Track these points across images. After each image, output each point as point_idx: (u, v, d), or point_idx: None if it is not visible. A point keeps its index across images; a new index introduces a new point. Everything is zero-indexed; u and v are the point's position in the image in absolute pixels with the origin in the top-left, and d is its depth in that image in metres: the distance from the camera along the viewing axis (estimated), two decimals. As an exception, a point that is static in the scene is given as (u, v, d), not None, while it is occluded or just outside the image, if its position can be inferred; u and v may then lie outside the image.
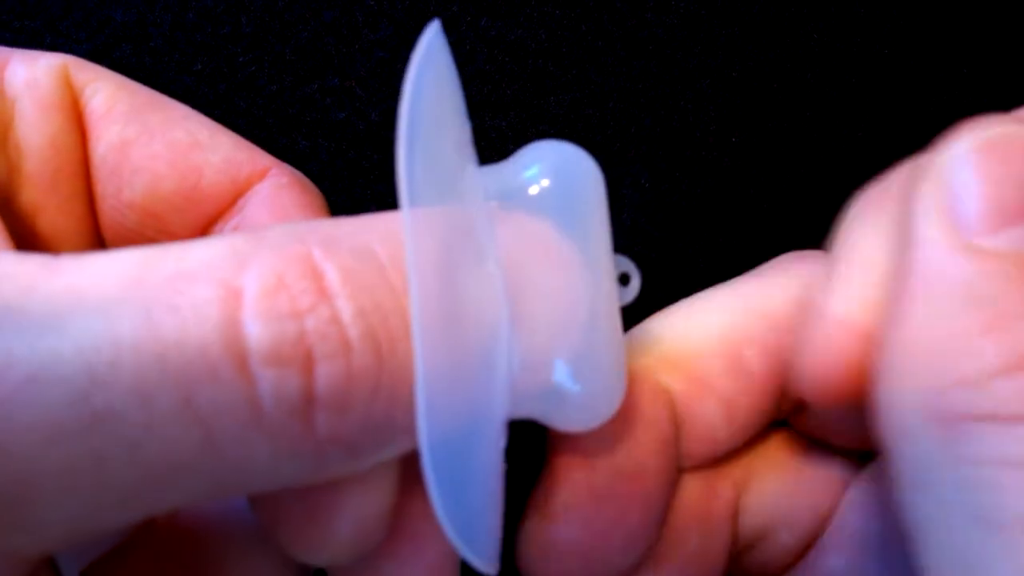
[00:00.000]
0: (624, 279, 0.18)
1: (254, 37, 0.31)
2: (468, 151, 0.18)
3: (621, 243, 0.18)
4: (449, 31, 0.31)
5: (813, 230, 0.31)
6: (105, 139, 0.22)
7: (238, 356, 0.14)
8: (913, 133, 0.31)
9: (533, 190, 0.17)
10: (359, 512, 0.17)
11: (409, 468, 0.18)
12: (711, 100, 0.31)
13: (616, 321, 0.18)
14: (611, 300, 0.18)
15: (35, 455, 0.14)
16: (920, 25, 0.32)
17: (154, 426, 0.14)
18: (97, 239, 0.23)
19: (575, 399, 0.17)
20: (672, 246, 0.31)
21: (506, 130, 0.31)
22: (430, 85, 0.16)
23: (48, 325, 0.14)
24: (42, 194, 0.21)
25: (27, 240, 0.21)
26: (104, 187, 0.22)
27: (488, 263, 0.16)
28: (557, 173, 0.18)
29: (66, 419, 0.14)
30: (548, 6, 0.31)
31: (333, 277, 0.15)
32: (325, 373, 0.15)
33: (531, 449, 0.19)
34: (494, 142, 0.31)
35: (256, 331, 0.14)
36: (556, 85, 0.31)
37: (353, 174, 0.31)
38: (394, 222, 0.16)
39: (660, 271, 0.30)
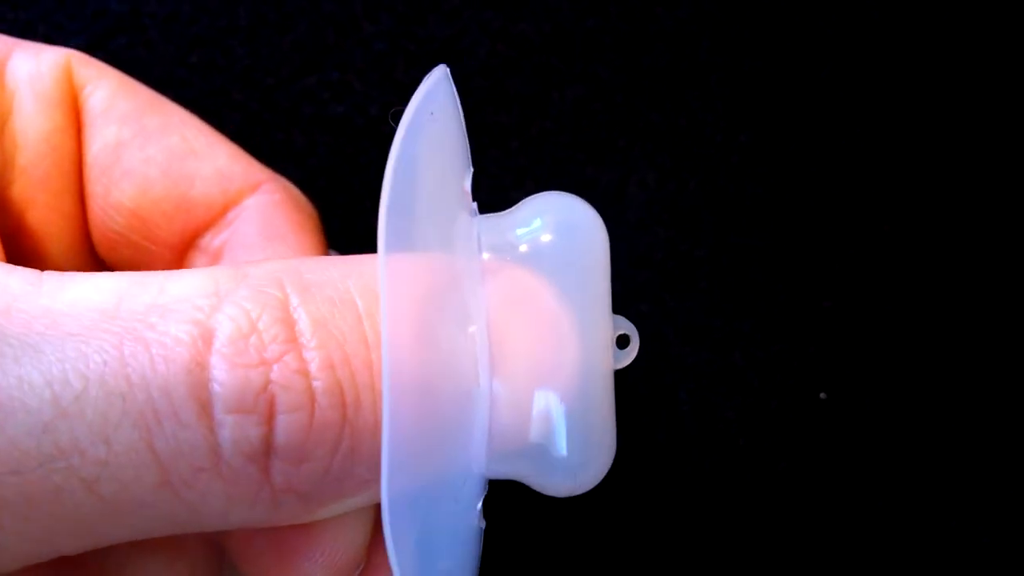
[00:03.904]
0: (623, 341, 0.17)
1: (251, 29, 0.30)
2: (466, 200, 0.17)
3: (627, 246, 0.17)
4: (452, 24, 0.31)
5: (822, 229, 0.30)
6: (100, 138, 0.22)
7: (202, 400, 0.14)
8: (924, 131, 0.30)
9: (532, 245, 0.17)
10: (331, 555, 0.17)
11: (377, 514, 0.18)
12: (719, 97, 0.31)
13: (609, 385, 0.17)
14: (605, 364, 0.17)
15: None
16: (932, 23, 0.31)
17: (112, 464, 0.14)
18: (86, 239, 0.23)
19: (560, 464, 0.17)
20: (678, 246, 0.30)
21: (509, 126, 0.30)
22: (426, 129, 0.16)
23: (23, 351, 0.14)
24: (34, 189, 0.21)
25: (15, 234, 0.21)
26: (94, 187, 0.22)
27: (472, 317, 0.16)
28: (559, 229, 0.17)
29: (28, 449, 0.14)
30: (553, -1, 0.31)
31: (305, 326, 0.15)
32: (285, 424, 0.15)
33: (513, 508, 0.19)
34: (496, 138, 0.30)
35: (222, 376, 0.15)
36: (561, 80, 0.31)
37: (351, 170, 0.30)
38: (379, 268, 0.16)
39: (665, 271, 0.30)
